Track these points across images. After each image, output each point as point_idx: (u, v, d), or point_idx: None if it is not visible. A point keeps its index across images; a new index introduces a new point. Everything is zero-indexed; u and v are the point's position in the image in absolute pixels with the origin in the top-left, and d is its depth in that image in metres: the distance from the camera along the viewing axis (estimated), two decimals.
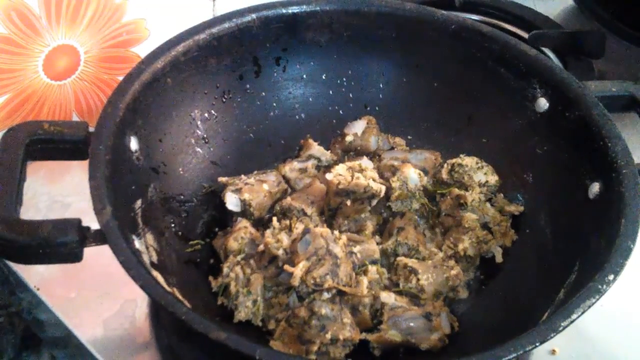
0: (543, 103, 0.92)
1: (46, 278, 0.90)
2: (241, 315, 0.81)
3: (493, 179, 0.95)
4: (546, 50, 1.25)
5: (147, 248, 0.79)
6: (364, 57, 1.03)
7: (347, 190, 0.87)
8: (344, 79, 1.04)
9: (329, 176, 0.89)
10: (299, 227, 0.83)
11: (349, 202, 0.88)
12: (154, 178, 0.87)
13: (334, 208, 0.89)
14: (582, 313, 0.68)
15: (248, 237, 0.86)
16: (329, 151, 1.00)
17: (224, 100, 0.98)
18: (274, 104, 1.02)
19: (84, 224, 0.72)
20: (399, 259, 0.87)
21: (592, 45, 1.22)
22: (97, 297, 0.88)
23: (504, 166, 0.96)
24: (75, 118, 1.08)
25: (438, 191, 0.95)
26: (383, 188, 0.88)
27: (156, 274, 0.75)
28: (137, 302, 0.88)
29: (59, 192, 1.01)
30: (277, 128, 1.02)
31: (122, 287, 0.84)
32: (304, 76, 1.03)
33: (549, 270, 0.83)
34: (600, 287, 0.69)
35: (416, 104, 1.03)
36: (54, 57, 1.06)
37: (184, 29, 0.92)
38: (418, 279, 0.84)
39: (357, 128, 1.01)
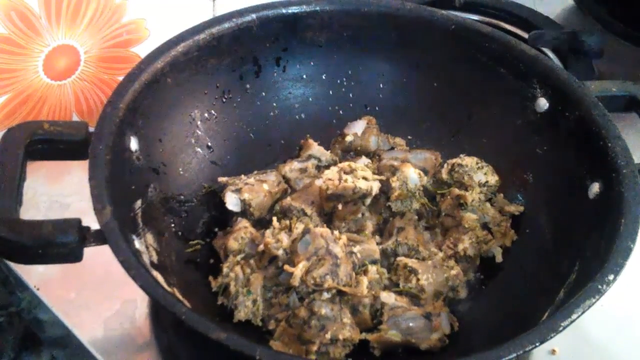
0: (543, 103, 0.92)
1: (46, 278, 0.90)
2: (241, 314, 0.81)
3: (493, 179, 0.95)
4: (546, 50, 1.25)
5: (147, 248, 0.79)
6: (364, 57, 1.03)
7: (336, 194, 0.87)
8: (344, 79, 1.04)
9: (318, 182, 0.89)
10: (299, 227, 0.83)
11: (340, 206, 0.88)
12: (154, 178, 0.87)
13: (329, 212, 0.90)
14: (582, 313, 0.68)
15: (248, 237, 0.86)
16: (329, 151, 1.00)
17: (224, 100, 0.98)
18: (274, 104, 1.02)
19: (84, 224, 0.72)
20: (399, 259, 0.87)
21: (592, 45, 1.22)
22: (97, 297, 0.88)
23: (504, 166, 0.96)
24: (75, 118, 1.08)
25: (438, 191, 0.95)
26: (375, 185, 0.88)
27: (156, 274, 0.75)
28: (137, 302, 0.88)
29: (59, 192, 1.01)
30: (277, 128, 1.02)
31: (122, 287, 0.84)
32: (304, 76, 1.03)
33: (549, 270, 0.83)
34: (600, 287, 0.69)
35: (416, 104, 1.03)
36: (54, 57, 1.06)
37: (184, 29, 0.92)
38: (418, 279, 0.84)
39: (357, 128, 1.01)
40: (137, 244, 0.76)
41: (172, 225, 0.87)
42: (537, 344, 0.65)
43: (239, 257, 0.84)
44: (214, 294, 0.84)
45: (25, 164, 0.77)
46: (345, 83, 1.04)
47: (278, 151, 1.01)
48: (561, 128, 0.90)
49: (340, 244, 0.82)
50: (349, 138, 1.00)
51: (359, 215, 0.91)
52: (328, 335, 0.76)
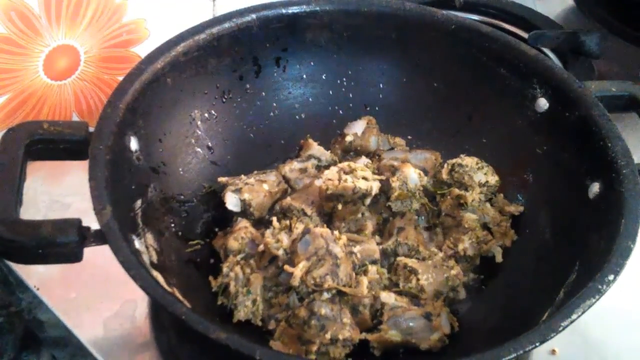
0: (543, 103, 0.92)
1: (46, 278, 0.90)
2: (240, 314, 0.81)
3: (493, 179, 0.95)
4: (546, 50, 1.25)
5: (147, 248, 0.79)
6: (364, 57, 1.03)
7: (336, 194, 0.87)
8: (344, 79, 1.04)
9: (317, 182, 0.89)
10: (299, 227, 0.83)
11: (340, 206, 0.88)
12: (154, 178, 0.87)
13: (329, 212, 0.90)
14: (582, 313, 0.68)
15: (248, 237, 0.86)
16: (329, 151, 1.00)
17: (224, 100, 0.98)
18: (274, 104, 1.02)
19: (84, 224, 0.72)
20: (399, 259, 0.87)
21: (592, 45, 1.22)
22: (97, 297, 0.88)
23: (504, 166, 0.96)
24: (75, 118, 1.08)
25: (438, 191, 0.95)
26: (375, 185, 0.88)
27: (156, 274, 0.75)
28: (137, 302, 0.88)
29: (59, 192, 1.01)
30: (277, 128, 1.02)
31: (122, 287, 0.84)
32: (304, 76, 1.03)
33: (549, 270, 0.83)
34: (600, 287, 0.69)
35: (416, 104, 1.03)
36: (54, 57, 1.06)
37: (184, 29, 0.92)
38: (418, 279, 0.84)
39: (357, 128, 1.01)
40: (137, 244, 0.76)
41: (172, 225, 0.87)
42: (537, 344, 0.65)
43: (239, 257, 0.84)
44: (214, 294, 0.84)
45: (25, 164, 0.77)
46: (345, 83, 1.04)
47: (278, 151, 1.01)
48: (561, 128, 0.90)
49: (340, 244, 0.82)
50: (349, 138, 1.00)
51: (359, 215, 0.91)
52: (328, 335, 0.76)
